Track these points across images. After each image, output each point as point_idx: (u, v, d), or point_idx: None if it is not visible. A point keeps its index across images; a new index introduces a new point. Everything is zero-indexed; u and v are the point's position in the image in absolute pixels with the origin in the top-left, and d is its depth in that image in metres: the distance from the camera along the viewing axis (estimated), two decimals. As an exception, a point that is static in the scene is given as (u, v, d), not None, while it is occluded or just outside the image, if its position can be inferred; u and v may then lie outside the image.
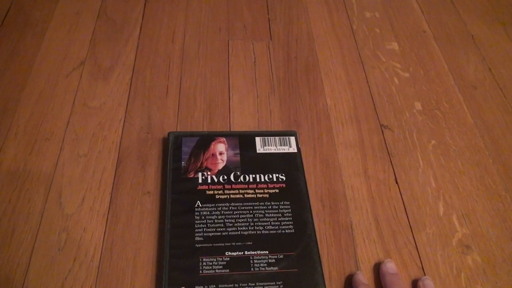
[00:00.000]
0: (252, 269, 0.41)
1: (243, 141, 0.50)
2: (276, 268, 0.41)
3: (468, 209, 0.49)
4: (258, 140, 0.50)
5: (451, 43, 0.68)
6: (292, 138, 0.51)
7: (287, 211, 0.45)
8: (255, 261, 0.41)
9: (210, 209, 0.44)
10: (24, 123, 0.52)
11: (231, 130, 0.53)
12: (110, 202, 0.46)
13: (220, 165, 0.48)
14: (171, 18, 0.66)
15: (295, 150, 0.50)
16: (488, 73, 0.64)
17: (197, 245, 0.42)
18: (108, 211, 0.45)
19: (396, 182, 0.51)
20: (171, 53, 0.61)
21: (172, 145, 0.49)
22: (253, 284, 0.40)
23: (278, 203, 0.45)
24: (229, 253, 0.42)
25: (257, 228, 0.44)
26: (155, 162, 0.50)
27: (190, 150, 0.49)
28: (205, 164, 0.48)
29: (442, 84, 0.62)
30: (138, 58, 0.60)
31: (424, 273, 0.44)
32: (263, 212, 0.45)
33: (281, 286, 0.40)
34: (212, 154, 0.49)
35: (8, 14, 0.63)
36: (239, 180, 0.47)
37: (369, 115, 0.57)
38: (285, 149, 0.50)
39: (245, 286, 0.40)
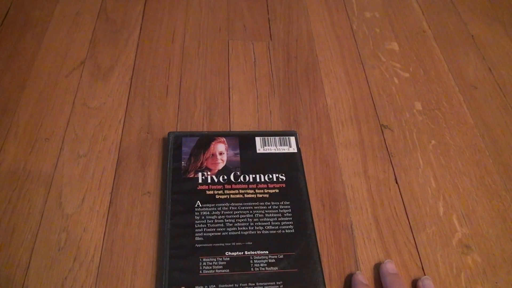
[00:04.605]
0: (252, 269, 0.41)
1: (243, 141, 0.50)
2: (276, 268, 0.41)
3: (468, 209, 0.49)
4: (258, 140, 0.50)
5: (451, 43, 0.68)
6: (292, 138, 0.51)
7: (287, 211, 0.45)
8: (255, 261, 0.41)
9: (210, 209, 0.44)
10: (24, 123, 0.52)
11: (231, 130, 0.53)
12: (110, 202, 0.46)
13: (220, 165, 0.48)
14: (171, 18, 0.66)
15: (295, 150, 0.50)
16: (488, 73, 0.64)
17: (197, 245, 0.42)
18: (108, 211, 0.45)
19: (396, 182, 0.51)
20: (171, 53, 0.61)
21: (172, 145, 0.49)
22: (253, 284, 0.40)
23: (278, 203, 0.45)
24: (229, 253, 0.42)
25: (257, 228, 0.44)
26: (155, 162, 0.50)
27: (190, 150, 0.49)
28: (205, 164, 0.48)
29: (442, 84, 0.62)
30: (138, 58, 0.60)
31: (424, 273, 0.44)
32: (263, 212, 0.45)
33: (281, 286, 0.40)
34: (212, 154, 0.49)
35: (8, 14, 0.63)
36: (239, 180, 0.47)
37: (369, 115, 0.57)
38: (285, 149, 0.50)
39: (245, 286, 0.40)
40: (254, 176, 0.47)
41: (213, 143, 0.50)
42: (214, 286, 0.40)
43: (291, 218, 0.45)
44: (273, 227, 0.44)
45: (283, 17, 0.68)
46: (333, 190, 0.49)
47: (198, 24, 0.65)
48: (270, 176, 0.47)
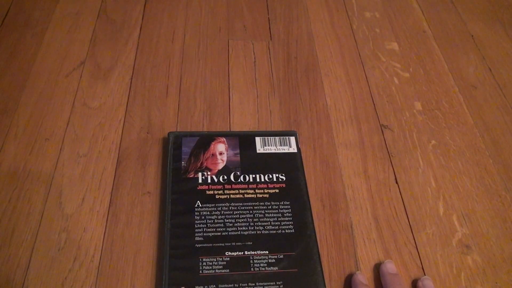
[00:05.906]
0: (252, 269, 0.41)
1: (243, 141, 0.50)
2: (276, 268, 0.41)
3: (468, 209, 0.49)
4: (258, 140, 0.50)
5: (451, 43, 0.68)
6: (292, 138, 0.51)
7: (287, 211, 0.45)
8: (255, 261, 0.41)
9: (210, 209, 0.44)
10: (24, 123, 0.52)
11: (231, 130, 0.53)
12: (110, 202, 0.46)
13: (220, 165, 0.48)
14: (171, 18, 0.66)
15: (295, 150, 0.50)
16: (488, 73, 0.64)
17: (197, 245, 0.42)
18: (108, 211, 0.45)
19: (396, 182, 0.51)
20: (171, 53, 0.61)
21: (172, 145, 0.49)
22: (253, 284, 0.40)
23: (278, 203, 0.45)
24: (229, 253, 0.42)
25: (257, 228, 0.44)
26: (155, 162, 0.50)
27: (190, 150, 0.49)
28: (205, 164, 0.48)
29: (442, 84, 0.62)
30: (138, 58, 0.60)
31: (424, 273, 0.44)
32: (263, 212, 0.45)
33: (281, 286, 0.40)
34: (212, 154, 0.49)
35: (8, 14, 0.63)
36: (239, 180, 0.47)
37: (369, 115, 0.57)
38: (285, 149, 0.50)
39: (245, 286, 0.40)
40: (254, 176, 0.47)
41: (213, 143, 0.50)
42: (214, 286, 0.40)
43: (291, 218, 0.45)
44: (273, 227, 0.44)
45: (283, 17, 0.68)
46: (333, 190, 0.49)
47: (198, 24, 0.65)
48: (270, 176, 0.47)
